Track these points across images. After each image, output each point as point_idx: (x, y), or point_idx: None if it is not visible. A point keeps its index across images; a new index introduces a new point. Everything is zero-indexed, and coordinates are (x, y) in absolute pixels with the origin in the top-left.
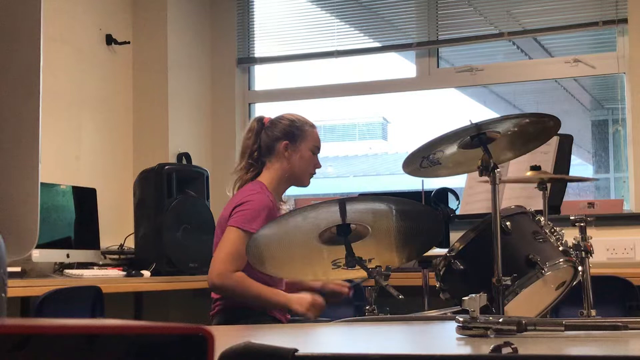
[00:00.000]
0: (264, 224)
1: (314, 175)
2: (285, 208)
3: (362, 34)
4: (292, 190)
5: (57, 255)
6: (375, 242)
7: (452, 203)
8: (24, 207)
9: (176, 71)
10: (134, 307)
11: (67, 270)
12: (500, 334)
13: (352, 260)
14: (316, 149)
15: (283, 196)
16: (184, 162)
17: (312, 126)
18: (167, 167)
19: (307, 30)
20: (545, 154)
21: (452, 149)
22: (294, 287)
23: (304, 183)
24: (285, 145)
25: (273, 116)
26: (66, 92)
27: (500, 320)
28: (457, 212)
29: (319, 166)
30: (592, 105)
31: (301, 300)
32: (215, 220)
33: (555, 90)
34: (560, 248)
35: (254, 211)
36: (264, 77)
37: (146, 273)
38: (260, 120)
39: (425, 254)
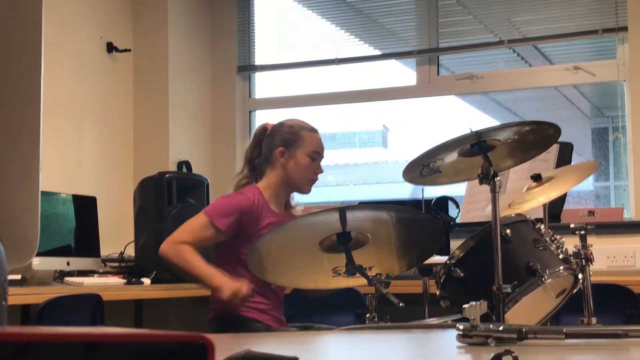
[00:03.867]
0: (234, 225)
1: (315, 182)
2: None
3: (362, 42)
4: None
5: (58, 263)
6: (375, 250)
7: (452, 211)
8: (24, 215)
9: (177, 79)
10: (134, 315)
11: (67, 278)
12: (500, 342)
13: (353, 268)
14: (315, 154)
15: (293, 202)
16: (184, 170)
17: (312, 130)
18: (167, 175)
19: (308, 38)
20: (545, 162)
21: (452, 157)
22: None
23: (303, 190)
24: (280, 152)
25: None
26: (67, 100)
27: (501, 328)
28: (457, 220)
29: (319, 171)
30: (592, 112)
31: (231, 286)
32: None
33: (555, 97)
34: (561, 256)
35: (228, 208)
36: (264, 85)
37: (146, 281)
38: (263, 128)
39: (426, 262)
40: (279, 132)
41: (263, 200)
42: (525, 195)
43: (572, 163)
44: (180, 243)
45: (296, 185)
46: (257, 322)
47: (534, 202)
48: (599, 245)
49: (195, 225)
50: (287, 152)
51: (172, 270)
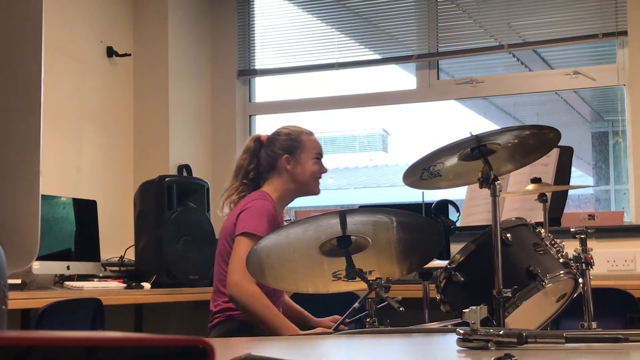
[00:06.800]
0: (269, 228)
1: (320, 180)
2: (285, 219)
3: (362, 46)
4: (293, 202)
5: (58, 267)
6: (375, 254)
7: (453, 215)
8: (24, 219)
9: (177, 83)
10: (134, 319)
11: (67, 282)
12: (500, 346)
13: (353, 272)
14: (318, 155)
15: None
16: (185, 174)
17: (309, 134)
18: (167, 179)
19: (308, 42)
20: (545, 166)
21: (452, 161)
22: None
23: (314, 191)
24: (286, 160)
25: (270, 133)
26: (67, 104)
27: (501, 332)
28: (458, 224)
29: (324, 170)
30: (592, 117)
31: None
32: (217, 231)
33: (555, 102)
34: (561, 260)
35: (259, 215)
36: (264, 89)
37: (146, 285)
38: (257, 139)
39: (426, 266)
40: (278, 141)
41: (275, 205)
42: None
43: (572, 167)
44: (248, 282)
45: (307, 188)
46: (264, 332)
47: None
48: (599, 249)
49: (243, 253)
50: (292, 158)
51: (245, 314)
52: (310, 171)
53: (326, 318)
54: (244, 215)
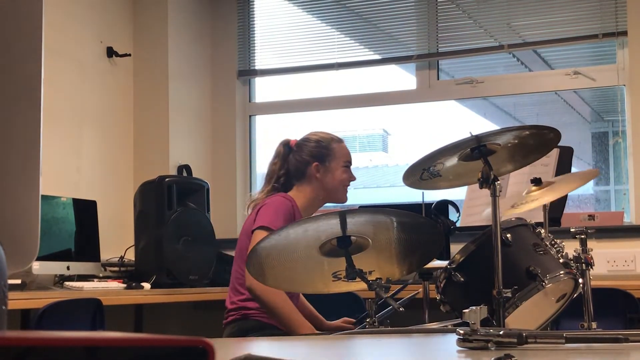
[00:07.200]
0: (285, 225)
1: (348, 188)
2: None
3: (362, 47)
4: None
5: (58, 268)
6: (375, 254)
7: (453, 215)
8: (24, 219)
9: (177, 83)
10: (134, 320)
11: (67, 283)
12: (500, 346)
13: (353, 273)
14: (348, 163)
15: None
16: (185, 174)
17: (339, 141)
18: (167, 179)
19: (308, 42)
20: (545, 166)
21: (452, 161)
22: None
23: (342, 199)
24: (316, 167)
25: (299, 138)
26: (67, 105)
27: (501, 332)
28: (458, 224)
29: (353, 179)
30: (592, 117)
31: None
32: (217, 232)
33: (555, 102)
34: (561, 260)
35: (276, 211)
36: (264, 89)
37: (146, 285)
38: (286, 144)
39: (426, 266)
40: (307, 147)
41: (297, 208)
42: (526, 197)
43: (572, 167)
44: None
45: (335, 196)
46: (275, 329)
47: (536, 203)
48: (599, 250)
49: None
50: (322, 166)
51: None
52: (340, 179)
53: (337, 321)
54: (262, 210)
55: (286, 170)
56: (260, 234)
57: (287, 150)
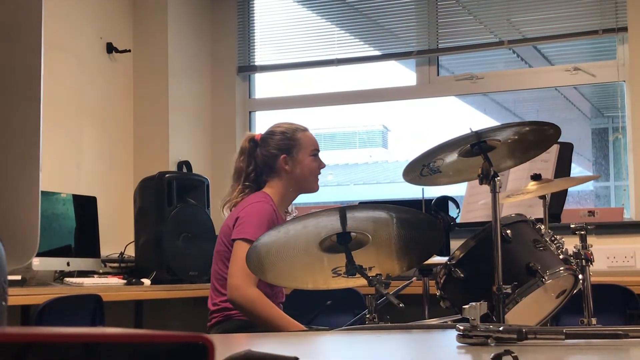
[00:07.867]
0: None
1: (319, 176)
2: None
3: (362, 42)
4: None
5: (58, 264)
6: (375, 250)
7: (453, 211)
8: (24, 215)
9: (177, 79)
10: (134, 316)
11: (67, 279)
12: (500, 342)
13: (353, 269)
14: (315, 151)
15: (289, 207)
16: (185, 170)
17: (304, 130)
18: (167, 175)
19: (308, 38)
20: (545, 162)
21: (452, 157)
22: None
23: (313, 188)
24: (284, 160)
25: (263, 132)
26: (67, 101)
27: (501, 328)
28: (458, 221)
29: (323, 166)
30: (592, 113)
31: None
32: (217, 228)
33: (555, 98)
34: (561, 256)
35: (258, 221)
36: (264, 85)
37: (146, 281)
38: (251, 139)
39: (426, 262)
40: (273, 140)
41: (276, 208)
42: (523, 190)
43: (572, 163)
44: (247, 286)
45: (306, 186)
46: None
47: (532, 194)
48: (599, 246)
49: (242, 258)
50: (290, 158)
51: (248, 317)
52: (309, 169)
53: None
54: (244, 220)
55: (255, 167)
56: (242, 247)
57: (252, 145)
